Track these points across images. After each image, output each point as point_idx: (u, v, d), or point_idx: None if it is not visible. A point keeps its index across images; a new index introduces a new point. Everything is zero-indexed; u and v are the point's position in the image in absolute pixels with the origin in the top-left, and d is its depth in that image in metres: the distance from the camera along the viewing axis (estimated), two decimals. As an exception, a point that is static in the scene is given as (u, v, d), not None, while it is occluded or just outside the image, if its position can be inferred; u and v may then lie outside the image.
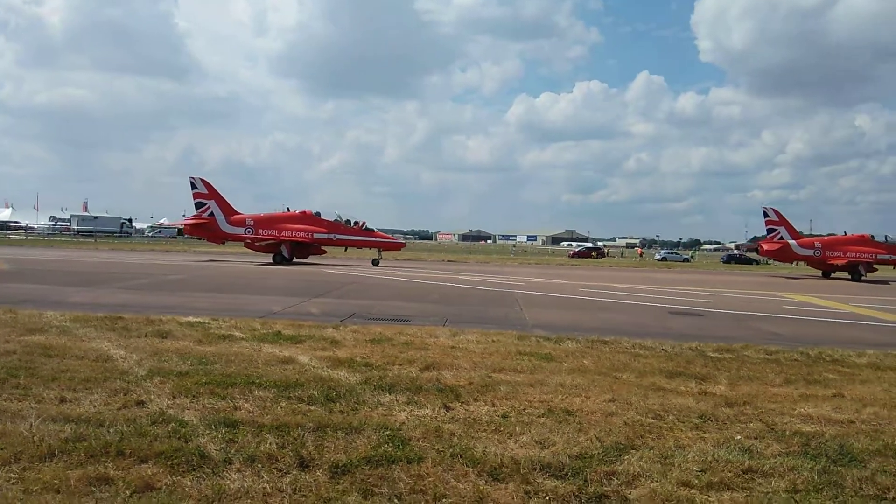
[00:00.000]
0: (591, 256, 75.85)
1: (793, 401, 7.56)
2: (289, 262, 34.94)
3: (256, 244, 36.28)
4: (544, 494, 4.62)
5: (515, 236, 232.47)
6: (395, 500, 4.44)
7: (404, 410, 6.52)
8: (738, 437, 6.05)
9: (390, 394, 7.10)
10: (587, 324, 14.30)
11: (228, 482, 4.61)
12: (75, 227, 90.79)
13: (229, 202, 37.40)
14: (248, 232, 36.25)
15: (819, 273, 43.90)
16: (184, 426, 5.70)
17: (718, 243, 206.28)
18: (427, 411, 6.52)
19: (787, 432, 6.27)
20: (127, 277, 22.97)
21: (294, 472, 4.84)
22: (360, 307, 16.15)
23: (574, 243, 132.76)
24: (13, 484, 4.46)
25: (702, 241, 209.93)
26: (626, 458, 5.37)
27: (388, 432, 5.75)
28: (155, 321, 11.47)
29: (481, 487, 4.68)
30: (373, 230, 37.45)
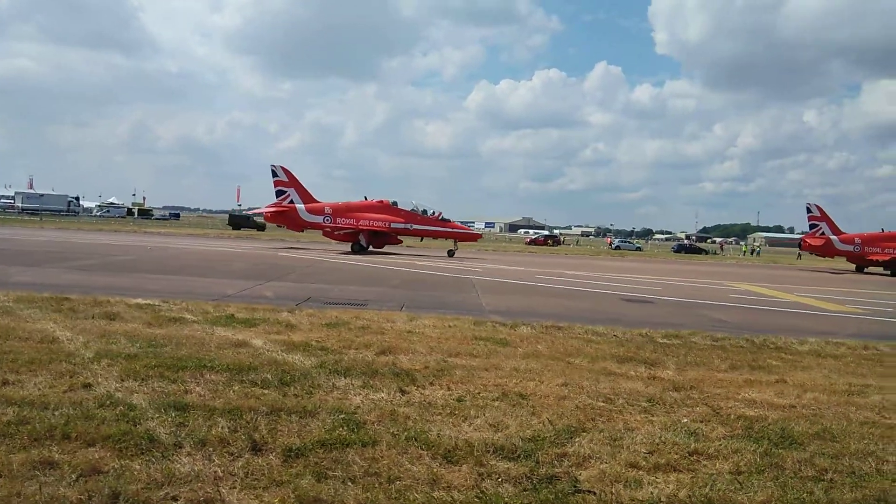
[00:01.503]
0: (547, 244, 76.62)
1: (737, 386, 7.81)
2: (365, 251, 34.27)
3: (335, 233, 35.67)
4: (497, 476, 4.68)
5: (474, 223, 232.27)
6: (349, 483, 4.44)
7: (360, 394, 6.51)
8: (685, 421, 6.23)
9: (346, 378, 7.07)
10: (542, 309, 14.47)
11: (178, 466, 4.53)
12: (20, 205, 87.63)
13: (308, 190, 36.81)
14: (327, 220, 35.72)
15: (752, 263, 45.11)
16: (132, 409, 5.57)
17: (670, 233, 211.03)
18: (383, 395, 6.52)
19: (732, 416, 6.49)
20: (74, 257, 22.27)
21: (246, 456, 4.79)
22: (317, 291, 16.01)
23: (531, 231, 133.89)
24: (-49, 468, 4.30)
25: (654, 231, 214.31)
26: (577, 440, 5.48)
27: (342, 416, 5.73)
28: (103, 302, 11.17)
29: (435, 470, 4.72)
30: (449, 220, 36.87)
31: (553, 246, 75.40)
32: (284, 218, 36.99)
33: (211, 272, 20.39)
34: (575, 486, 4.56)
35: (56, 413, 5.37)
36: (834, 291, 25.32)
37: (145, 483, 4.26)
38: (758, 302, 19.79)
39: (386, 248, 36.69)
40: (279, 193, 36.52)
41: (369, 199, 37.39)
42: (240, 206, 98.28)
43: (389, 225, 35.48)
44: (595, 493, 4.47)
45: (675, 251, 79.26)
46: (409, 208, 36.28)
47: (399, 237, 36.92)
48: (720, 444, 5.59)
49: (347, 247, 35.31)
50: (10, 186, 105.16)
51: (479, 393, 6.81)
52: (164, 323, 9.76)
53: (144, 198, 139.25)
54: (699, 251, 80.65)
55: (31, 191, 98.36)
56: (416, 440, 5.25)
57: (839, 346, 11.11)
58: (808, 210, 44.03)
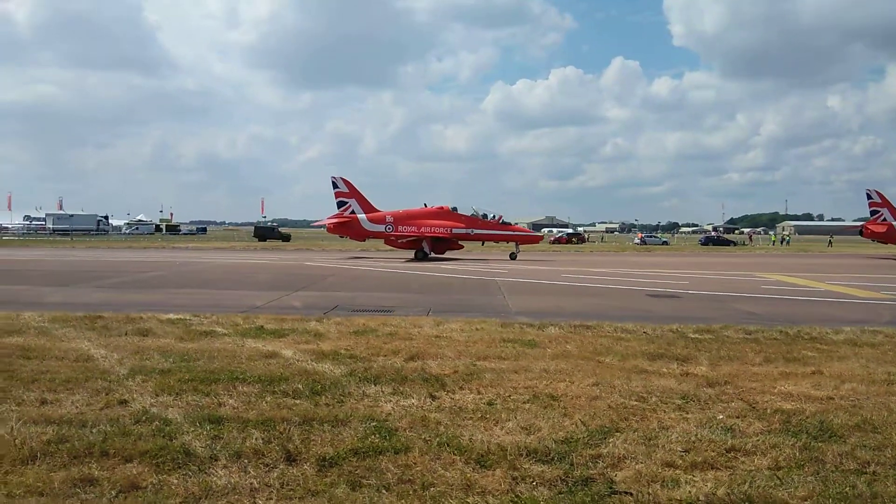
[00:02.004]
0: (571, 242, 76.18)
1: (773, 379, 7.67)
2: (428, 257, 34.17)
3: (398, 241, 35.78)
4: (531, 479, 4.65)
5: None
6: (384, 491, 4.44)
7: (390, 401, 6.52)
8: (721, 417, 6.13)
9: (376, 385, 7.10)
10: (569, 309, 14.38)
11: (215, 479, 4.58)
12: (51, 226, 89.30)
13: (369, 200, 37.16)
14: (389, 229, 36.04)
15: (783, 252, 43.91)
16: (168, 424, 5.65)
17: (696, 225, 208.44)
18: (413, 401, 6.53)
19: (769, 410, 6.37)
20: (105, 276, 22.67)
21: (281, 467, 4.83)
22: (343, 299, 16.10)
23: (554, 229, 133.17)
24: (-5, 488, 4.40)
25: (679, 224, 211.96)
26: (610, 440, 5.42)
27: (374, 423, 5.75)
28: (135, 319, 11.35)
29: (468, 475, 4.71)
30: (510, 224, 36.95)
31: (577, 244, 74.95)
32: (346, 228, 37.33)
33: (238, 284, 20.61)
34: (611, 488, 4.52)
35: (94, 430, 5.46)
36: (868, 279, 24.78)
37: (183, 497, 4.31)
38: (789, 292, 19.45)
39: (443, 254, 36.44)
40: (340, 204, 36.89)
41: (429, 206, 37.43)
42: (265, 217, 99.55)
43: (451, 231, 35.61)
44: (632, 494, 4.42)
45: (703, 244, 78.18)
46: (468, 213, 36.28)
47: (460, 242, 36.85)
48: (758, 440, 5.49)
49: (409, 254, 35.32)
50: (40, 208, 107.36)
51: (509, 396, 6.78)
52: (196, 337, 9.89)
53: (172, 214, 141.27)
54: (727, 243, 79.46)
55: (61, 212, 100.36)
56: (448, 445, 5.24)
57: (876, 334, 10.85)
58: (869, 196, 42.82)
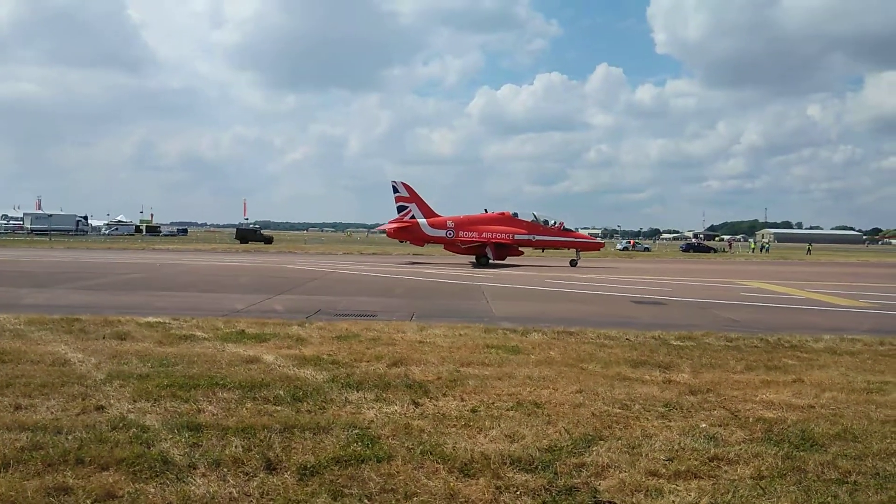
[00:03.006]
0: (554, 247, 76.33)
1: (754, 387, 7.71)
2: (489, 264, 34.13)
3: (461, 246, 35.63)
4: (515, 489, 4.61)
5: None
6: (366, 501, 4.38)
7: (373, 408, 6.46)
8: (703, 425, 6.14)
9: (358, 391, 7.02)
10: (553, 314, 14.40)
11: (193, 488, 4.49)
12: (29, 226, 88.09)
13: (429, 205, 36.92)
14: (449, 234, 35.84)
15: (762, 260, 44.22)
16: (145, 431, 5.54)
17: (677, 232, 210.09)
18: (396, 408, 6.47)
19: (751, 419, 6.39)
20: (83, 277, 22.34)
21: (261, 476, 4.74)
22: (326, 303, 15.98)
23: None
24: (-34, 497, 4.28)
25: (661, 231, 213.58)
26: (594, 449, 5.40)
27: (356, 431, 5.68)
28: (113, 322, 11.17)
29: (452, 484, 4.66)
30: (571, 230, 36.63)
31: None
32: (407, 233, 36.98)
33: (219, 287, 20.40)
34: (594, 497, 4.49)
35: (69, 437, 5.34)
36: (847, 287, 25.09)
37: (160, 507, 4.21)
38: (769, 300, 19.63)
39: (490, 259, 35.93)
40: (400, 209, 36.61)
41: (490, 212, 37.34)
42: (247, 219, 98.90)
43: (513, 237, 35.40)
44: (615, 504, 4.40)
45: (684, 250, 78.86)
46: (529, 219, 36.06)
47: (520, 249, 36.69)
48: (740, 449, 5.50)
49: (467, 259, 35.10)
50: (18, 208, 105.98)
51: (493, 403, 6.74)
52: (175, 341, 9.74)
53: (152, 215, 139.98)
54: (708, 250, 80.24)
55: (40, 211, 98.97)
56: (431, 454, 5.19)
57: (855, 342, 10.97)
58: None
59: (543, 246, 37.16)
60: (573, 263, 34.85)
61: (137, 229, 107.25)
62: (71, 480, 4.54)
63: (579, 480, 4.78)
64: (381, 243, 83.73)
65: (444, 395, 7.03)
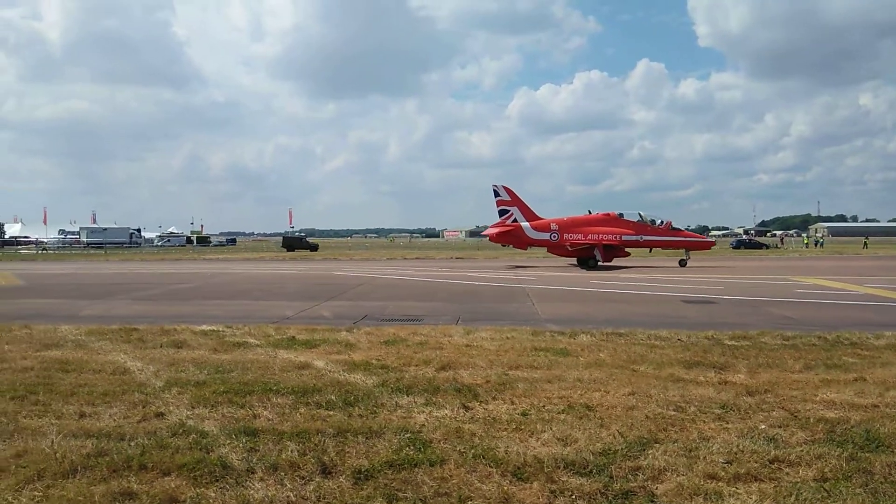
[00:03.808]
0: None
1: (814, 387, 7.47)
2: (597, 266, 33.31)
3: (567, 248, 35.11)
4: (570, 493, 4.57)
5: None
6: (421, 505, 4.40)
7: (423, 412, 6.49)
8: (762, 427, 5.98)
9: (408, 395, 7.07)
10: (600, 316, 14.23)
11: (252, 492, 4.59)
12: (85, 240, 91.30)
13: (531, 208, 36.77)
14: (553, 237, 35.47)
15: (816, 255, 42.35)
16: (204, 437, 5.68)
17: (727, 228, 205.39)
18: (446, 412, 6.48)
19: (811, 419, 6.20)
20: (139, 288, 23.04)
21: (317, 479, 4.82)
22: (373, 308, 16.13)
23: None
24: (38, 502, 4.46)
25: (710, 227, 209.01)
26: (650, 452, 5.31)
27: (408, 435, 5.72)
28: (169, 331, 11.49)
29: (506, 488, 4.64)
30: (680, 229, 35.84)
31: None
32: (510, 237, 36.66)
33: (269, 295, 20.78)
34: (652, 501, 4.42)
35: (132, 443, 5.51)
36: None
37: (221, 511, 4.31)
38: (826, 296, 19.01)
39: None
40: (502, 213, 36.38)
41: (593, 213, 36.82)
42: (292, 228, 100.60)
43: (621, 238, 34.68)
44: (673, 507, 4.31)
45: (735, 247, 76.98)
46: (635, 219, 35.38)
47: (627, 250, 35.85)
48: (802, 450, 5.34)
49: (568, 262, 34.72)
50: (74, 222, 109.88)
51: (543, 406, 6.70)
52: (229, 348, 9.97)
53: (202, 226, 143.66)
54: (759, 246, 78.27)
55: (95, 225, 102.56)
56: (483, 457, 5.18)
57: (920, 339, 10.53)
58: None
59: (651, 246, 36.13)
60: (682, 263, 33.73)
61: (188, 240, 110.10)
62: (135, 485, 4.69)
63: (635, 484, 4.71)
64: (424, 248, 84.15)
65: (494, 398, 7.01)
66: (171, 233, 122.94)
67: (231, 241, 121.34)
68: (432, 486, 4.67)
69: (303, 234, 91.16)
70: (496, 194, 36.41)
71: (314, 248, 72.35)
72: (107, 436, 5.73)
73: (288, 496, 4.53)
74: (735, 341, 10.43)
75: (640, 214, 35.61)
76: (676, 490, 4.59)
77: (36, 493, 4.59)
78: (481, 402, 6.87)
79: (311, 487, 4.68)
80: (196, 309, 16.33)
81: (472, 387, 7.43)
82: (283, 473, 4.91)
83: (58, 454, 5.23)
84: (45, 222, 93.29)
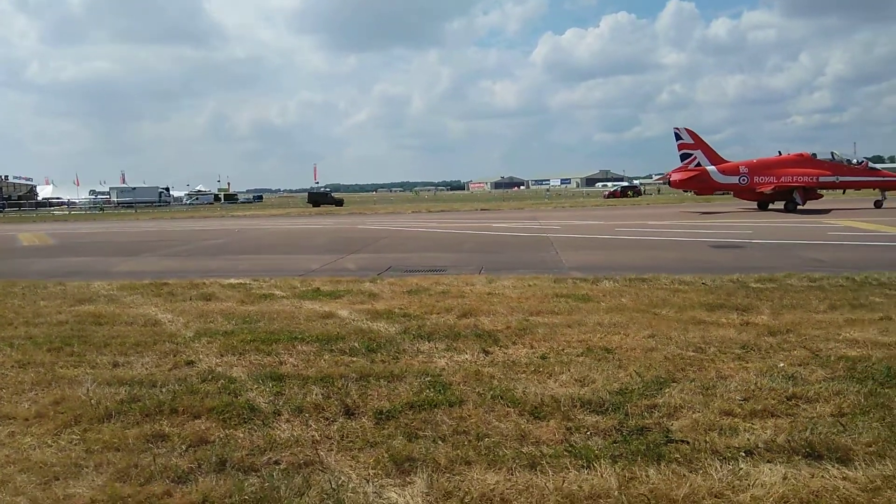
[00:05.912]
0: (626, 195, 74.66)
1: (838, 326, 7.42)
2: (796, 209, 31.68)
3: (757, 192, 33.54)
4: (586, 429, 4.66)
5: (549, 180, 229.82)
6: (440, 442, 4.53)
7: (444, 357, 6.61)
8: (782, 365, 5.99)
9: (429, 342, 7.19)
10: (625, 263, 14.17)
11: (279, 432, 4.76)
12: (115, 200, 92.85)
13: (716, 151, 35.15)
14: (743, 181, 33.86)
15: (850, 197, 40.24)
16: (233, 382, 5.88)
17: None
18: (466, 356, 6.60)
19: (832, 357, 6.18)
20: (169, 245, 23.48)
21: (341, 420, 4.98)
22: (396, 260, 16.27)
23: (609, 183, 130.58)
24: (76, 445, 4.68)
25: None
26: (666, 391, 5.37)
27: (428, 378, 5.84)
28: (198, 285, 11.75)
29: (523, 426, 4.75)
30: (877, 169, 34.30)
31: (633, 197, 73.41)
32: (695, 182, 35.02)
33: (295, 249, 21.06)
34: (667, 437, 4.49)
35: (163, 390, 5.72)
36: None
37: (249, 450, 4.50)
38: (858, 238, 18.66)
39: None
40: (684, 157, 34.75)
41: (784, 154, 35.06)
42: (317, 183, 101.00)
43: (818, 179, 32.90)
44: (688, 443, 4.38)
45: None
46: (828, 159, 33.61)
47: (819, 192, 33.89)
48: (820, 387, 5.35)
49: (754, 205, 33.54)
50: (104, 182, 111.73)
51: (562, 349, 6.77)
52: (256, 300, 10.18)
53: (229, 183, 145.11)
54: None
55: (125, 185, 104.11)
56: (501, 398, 5.29)
57: (951, 278, 10.34)
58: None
59: (847, 187, 34.10)
60: (878, 205, 31.80)
61: (216, 198, 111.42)
62: (167, 428, 4.89)
63: (651, 421, 4.78)
64: (449, 200, 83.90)
65: (514, 343, 7.10)
66: (199, 191, 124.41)
67: (258, 197, 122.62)
68: (451, 425, 4.80)
69: (328, 190, 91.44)
70: (677, 137, 34.51)
71: (339, 202, 72.65)
72: (139, 383, 5.95)
73: (313, 435, 4.70)
74: (760, 283, 10.35)
75: (832, 154, 33.79)
76: (691, 426, 4.65)
77: (74, 436, 4.82)
78: (501, 346, 6.97)
79: (335, 427, 4.84)
80: (224, 264, 16.63)
81: (493, 332, 7.53)
82: (307, 415, 5.08)
83: (93, 401, 5.47)
84: (76, 183, 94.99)
